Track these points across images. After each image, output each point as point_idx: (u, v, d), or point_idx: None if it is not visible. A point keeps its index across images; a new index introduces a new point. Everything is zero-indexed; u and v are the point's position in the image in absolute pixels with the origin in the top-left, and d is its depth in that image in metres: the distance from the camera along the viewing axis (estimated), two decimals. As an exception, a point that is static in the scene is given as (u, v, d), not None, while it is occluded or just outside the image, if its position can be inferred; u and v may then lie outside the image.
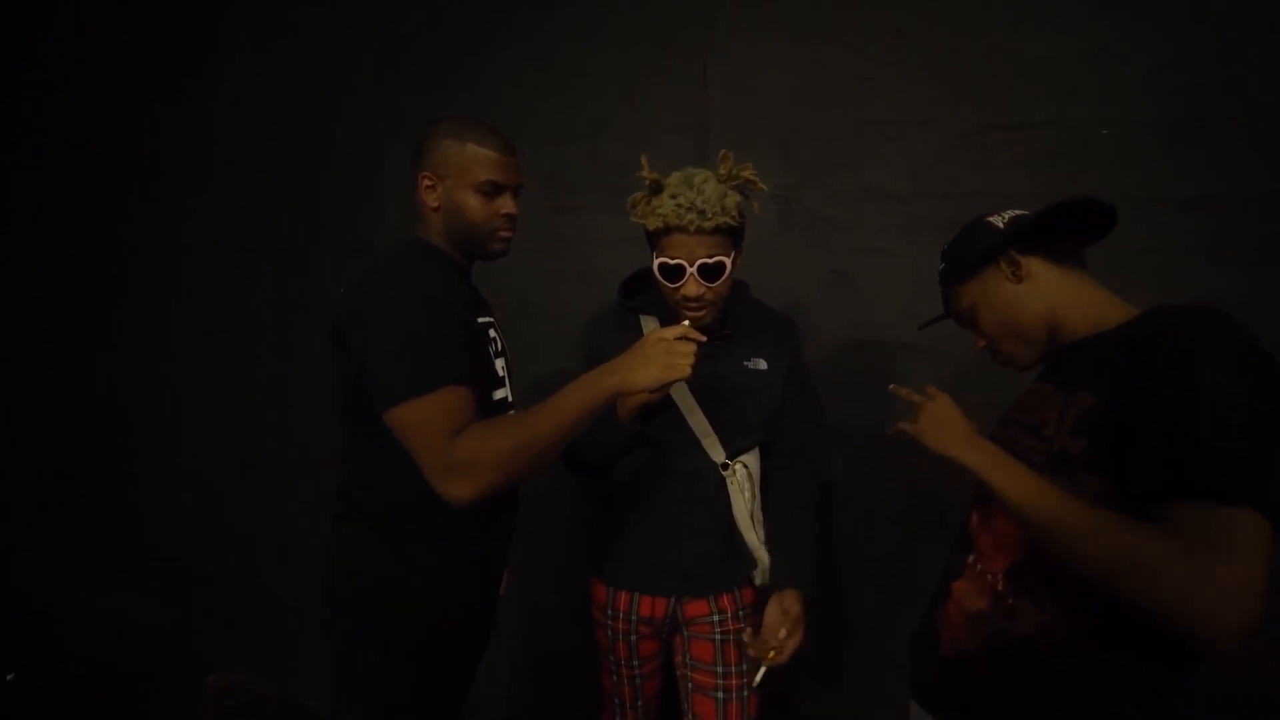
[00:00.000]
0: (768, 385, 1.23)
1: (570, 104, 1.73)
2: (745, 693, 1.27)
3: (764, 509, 1.28)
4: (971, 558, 0.89)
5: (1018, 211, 0.92)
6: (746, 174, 1.08)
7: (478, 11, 1.87)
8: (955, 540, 0.98)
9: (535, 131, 1.71)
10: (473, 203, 1.08)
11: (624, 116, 1.66)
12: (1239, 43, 1.08)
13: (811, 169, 1.44)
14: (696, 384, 1.17)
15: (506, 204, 1.11)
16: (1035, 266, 0.88)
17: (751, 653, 1.14)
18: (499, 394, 1.13)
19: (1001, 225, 0.90)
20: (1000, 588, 0.82)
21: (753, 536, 1.25)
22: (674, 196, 1.05)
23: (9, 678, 2.26)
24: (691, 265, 1.06)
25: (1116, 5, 1.16)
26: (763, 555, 1.26)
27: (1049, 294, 0.87)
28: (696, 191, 1.04)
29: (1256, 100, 1.07)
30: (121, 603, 2.69)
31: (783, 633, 1.13)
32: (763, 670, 1.14)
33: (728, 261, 1.08)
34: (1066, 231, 0.88)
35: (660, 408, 1.20)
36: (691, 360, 0.94)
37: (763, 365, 1.23)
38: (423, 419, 0.93)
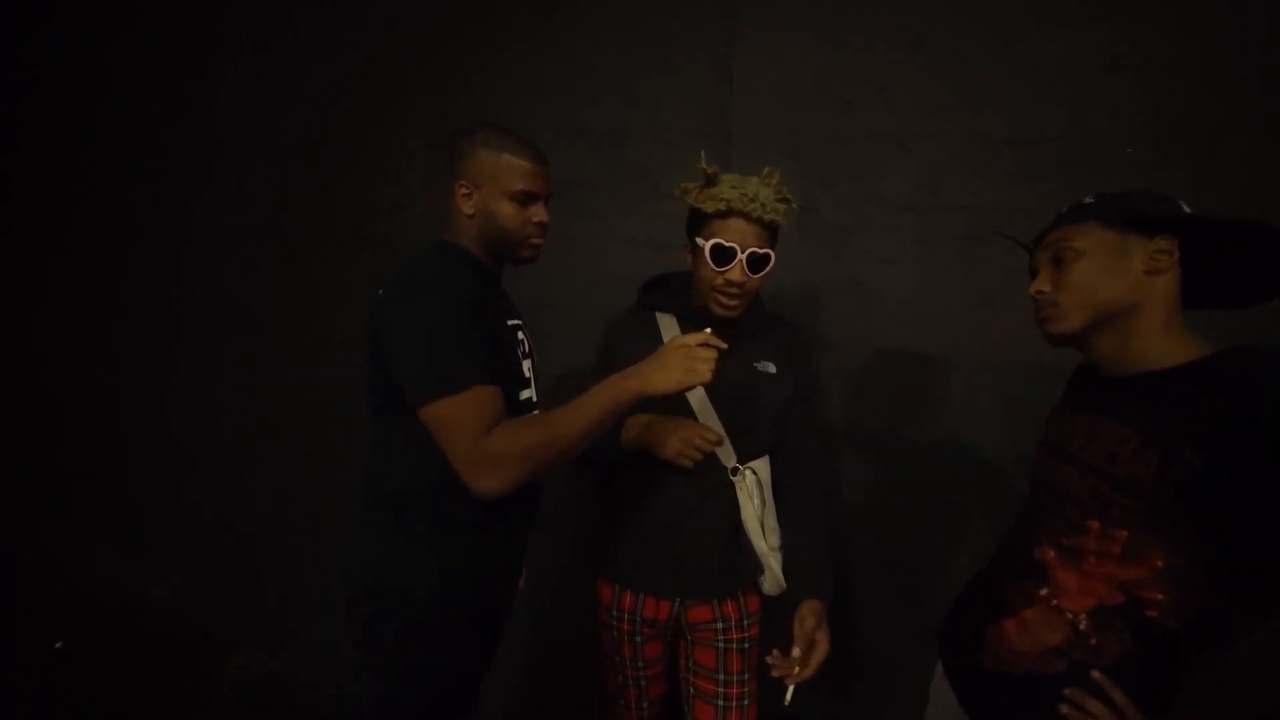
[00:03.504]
0: (775, 388, 1.26)
1: (587, 108, 1.75)
2: (745, 701, 1.29)
3: (777, 518, 1.30)
4: (1045, 591, 0.84)
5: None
6: (785, 193, 1.15)
7: (493, 13, 1.89)
8: (1011, 562, 0.92)
9: (553, 135, 1.72)
10: (507, 210, 1.11)
11: (641, 122, 1.68)
12: (1253, 53, 1.10)
13: (827, 177, 1.47)
14: (708, 387, 1.20)
15: (539, 212, 1.14)
16: (1172, 273, 0.80)
17: (775, 674, 1.14)
18: (525, 394, 1.16)
19: (1186, 211, 0.80)
20: (1082, 627, 0.79)
21: (761, 543, 1.25)
22: (734, 186, 1.11)
23: (58, 645, 2.29)
24: (743, 252, 1.12)
25: (1128, 17, 1.18)
26: (771, 563, 1.27)
27: (1150, 298, 0.80)
28: (755, 188, 1.11)
29: (1269, 109, 1.09)
30: (138, 586, 2.67)
31: (796, 652, 1.14)
32: (790, 690, 1.14)
33: (772, 255, 1.15)
34: (1221, 268, 0.81)
35: (668, 411, 1.22)
36: (712, 366, 0.97)
37: (771, 369, 1.25)
38: (456, 415, 0.96)
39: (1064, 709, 0.78)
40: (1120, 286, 0.81)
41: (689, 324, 1.24)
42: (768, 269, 1.15)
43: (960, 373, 1.34)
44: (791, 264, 1.50)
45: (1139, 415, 0.78)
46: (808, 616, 1.17)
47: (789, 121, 1.50)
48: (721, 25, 1.56)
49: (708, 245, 1.13)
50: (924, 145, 1.37)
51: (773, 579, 1.28)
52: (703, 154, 1.12)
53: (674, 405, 1.23)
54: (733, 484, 1.24)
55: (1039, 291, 0.88)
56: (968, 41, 1.32)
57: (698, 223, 1.17)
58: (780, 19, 1.49)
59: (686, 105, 1.62)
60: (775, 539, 1.29)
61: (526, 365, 1.18)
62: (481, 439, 0.96)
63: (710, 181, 1.13)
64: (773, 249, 1.16)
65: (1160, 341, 0.80)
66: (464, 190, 1.11)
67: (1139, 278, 0.80)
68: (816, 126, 1.48)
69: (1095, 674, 0.77)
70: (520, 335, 1.19)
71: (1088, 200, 0.86)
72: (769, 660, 1.15)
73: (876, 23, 1.40)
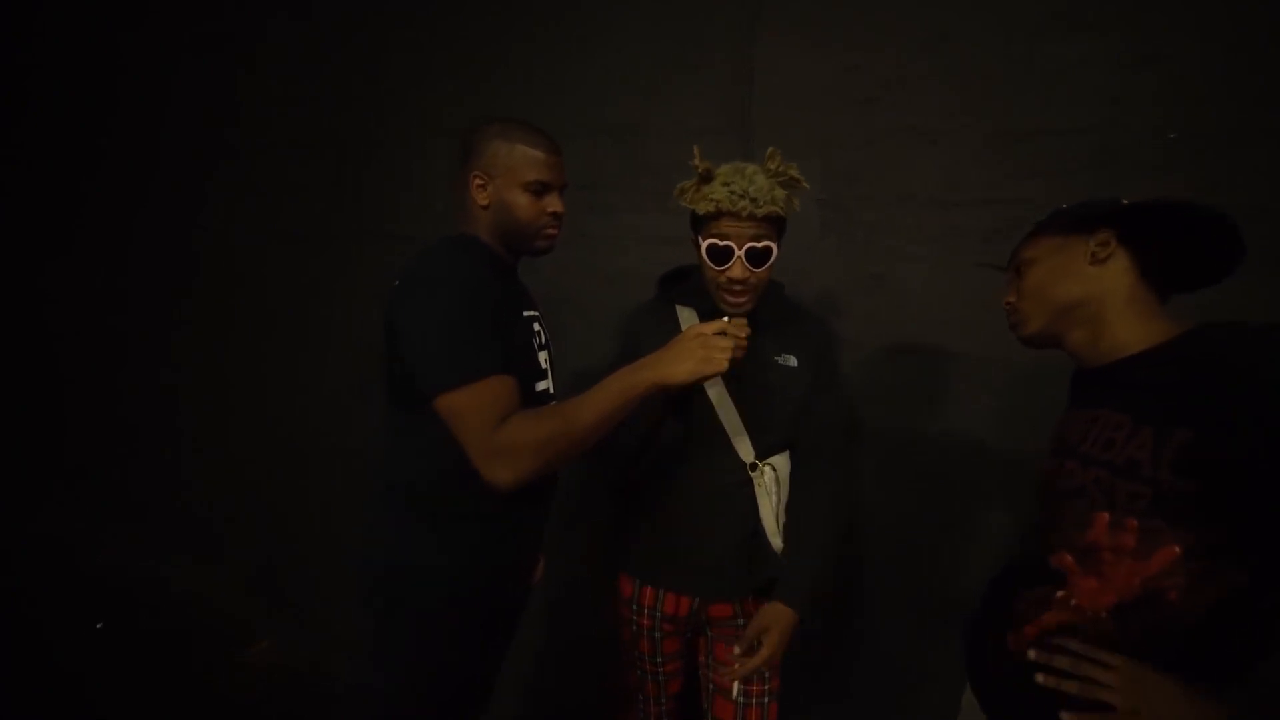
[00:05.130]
0: (797, 382, 1.23)
1: (607, 105, 1.76)
2: (766, 699, 1.26)
3: (786, 511, 1.27)
4: (1062, 594, 0.83)
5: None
6: (792, 172, 1.10)
7: (514, 9, 1.91)
8: (1027, 573, 0.91)
9: (573, 130, 1.72)
10: (522, 201, 1.12)
11: (661, 118, 1.68)
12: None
13: (850, 173, 1.45)
14: (728, 380, 1.19)
15: (554, 202, 1.15)
16: (1119, 261, 0.83)
17: (714, 675, 1.16)
18: (541, 385, 1.16)
19: (1126, 202, 0.83)
20: (1103, 616, 0.79)
21: (779, 541, 1.24)
22: (726, 184, 1.08)
23: (99, 626, 2.39)
24: (740, 249, 1.10)
25: (1163, 10, 1.15)
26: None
27: (1105, 289, 0.83)
28: (749, 181, 1.08)
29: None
30: (161, 575, 2.77)
31: (736, 650, 1.12)
32: (736, 686, 1.16)
33: (774, 247, 1.12)
34: (1177, 249, 0.81)
35: (689, 404, 1.21)
36: (729, 355, 0.96)
37: (793, 362, 1.23)
38: (470, 406, 0.97)
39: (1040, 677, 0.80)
40: (1070, 283, 0.86)
41: (708, 317, 1.21)
42: (771, 261, 1.13)
43: (984, 370, 1.31)
44: (813, 260, 1.50)
45: (1127, 399, 0.79)
46: (763, 616, 1.15)
47: (810, 118, 1.49)
48: (742, 22, 1.56)
49: (704, 245, 1.13)
50: (948, 141, 1.34)
51: None
52: (696, 150, 1.09)
53: (693, 398, 1.21)
54: (751, 480, 1.23)
55: (1006, 302, 0.95)
56: (991, 37, 1.29)
57: (695, 222, 1.16)
58: (802, 15, 1.49)
59: (706, 102, 1.61)
60: None
61: (543, 356, 1.19)
62: (496, 430, 0.96)
63: (705, 178, 1.11)
64: (775, 240, 1.13)
65: (1129, 327, 0.82)
66: (478, 182, 1.12)
67: (1086, 271, 0.84)
68: (838, 123, 1.46)
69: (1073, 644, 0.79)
70: (537, 327, 1.19)
71: (1043, 218, 0.92)
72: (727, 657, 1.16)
73: (899, 19, 1.38)
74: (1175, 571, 0.73)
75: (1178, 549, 0.72)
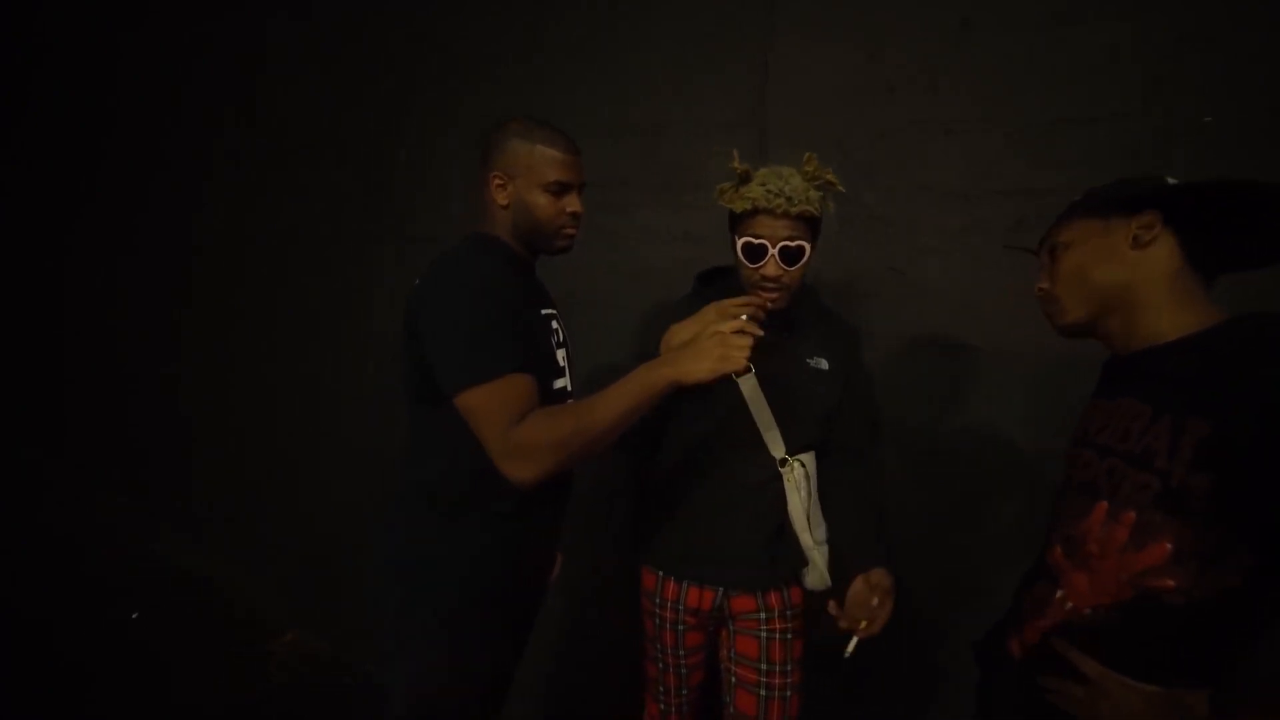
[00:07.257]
0: (828, 385, 1.25)
1: (624, 104, 1.75)
2: (788, 693, 1.28)
3: (823, 513, 1.29)
4: (1060, 594, 0.81)
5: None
6: (828, 176, 1.13)
7: (535, 8, 1.90)
8: (1032, 571, 0.91)
9: (592, 129, 1.72)
10: (541, 201, 1.12)
11: (678, 116, 1.67)
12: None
13: (869, 167, 1.43)
14: (762, 378, 1.20)
15: (573, 202, 1.15)
16: (1164, 245, 0.78)
17: (843, 625, 1.15)
18: (559, 383, 1.17)
19: (1172, 182, 0.78)
20: (1088, 614, 0.78)
21: (806, 537, 1.25)
22: (763, 184, 1.11)
23: (134, 616, 2.42)
24: (774, 246, 1.11)
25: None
26: (815, 557, 1.27)
27: (1146, 274, 0.79)
28: (784, 181, 1.10)
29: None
30: (197, 566, 2.79)
31: (875, 601, 1.15)
32: (854, 641, 1.15)
33: (808, 247, 1.14)
34: (1229, 232, 0.77)
35: (717, 399, 1.21)
36: (747, 353, 0.96)
37: (824, 365, 1.25)
38: (489, 404, 0.98)
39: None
40: (1110, 267, 0.81)
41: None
42: (805, 260, 1.14)
43: (1006, 364, 1.30)
44: (832, 255, 1.47)
45: (1150, 389, 0.77)
46: (880, 579, 1.19)
47: (828, 111, 1.47)
48: (759, 15, 1.54)
49: (740, 243, 1.14)
50: (969, 132, 1.32)
51: (816, 574, 1.28)
52: (735, 154, 1.11)
53: (724, 393, 1.21)
54: (780, 475, 1.24)
55: (1039, 289, 0.90)
56: (1012, 24, 1.27)
57: (732, 221, 1.18)
58: (819, 5, 1.47)
59: (723, 98, 1.60)
60: (821, 533, 1.29)
61: (561, 354, 1.19)
62: (514, 427, 0.97)
63: (743, 180, 1.14)
64: (809, 240, 1.14)
65: (1168, 314, 0.79)
66: (498, 181, 1.13)
67: (1127, 255, 0.80)
68: (857, 115, 1.44)
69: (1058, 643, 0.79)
70: (554, 324, 1.20)
71: (1077, 199, 0.88)
72: (831, 611, 1.17)
73: (918, 7, 1.36)
74: (1166, 570, 0.71)
75: (1168, 546, 0.71)
